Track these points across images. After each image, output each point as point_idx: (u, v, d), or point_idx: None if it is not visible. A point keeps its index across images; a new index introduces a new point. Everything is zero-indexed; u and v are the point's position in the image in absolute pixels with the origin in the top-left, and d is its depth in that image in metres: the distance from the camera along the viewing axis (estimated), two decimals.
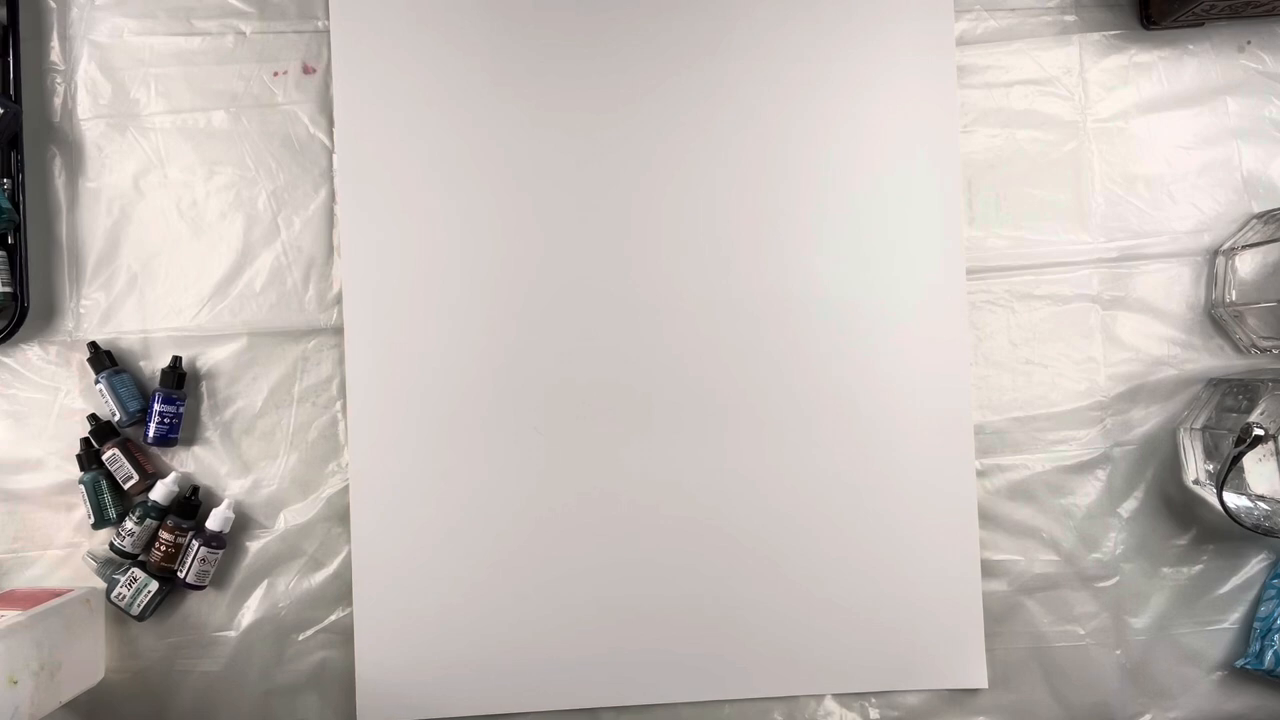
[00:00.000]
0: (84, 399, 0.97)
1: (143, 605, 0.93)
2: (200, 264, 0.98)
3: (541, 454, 0.96)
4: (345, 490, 0.97)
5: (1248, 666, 0.96)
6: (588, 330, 0.97)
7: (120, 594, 0.93)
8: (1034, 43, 1.01)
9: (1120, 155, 1.00)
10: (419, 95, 0.97)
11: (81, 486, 0.94)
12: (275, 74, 0.99)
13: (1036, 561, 0.99)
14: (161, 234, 0.98)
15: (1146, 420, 0.99)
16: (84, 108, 0.98)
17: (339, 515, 0.97)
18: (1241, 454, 0.86)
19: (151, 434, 0.94)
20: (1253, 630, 0.97)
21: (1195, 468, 0.94)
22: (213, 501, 0.96)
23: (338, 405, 0.98)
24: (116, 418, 0.94)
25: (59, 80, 0.98)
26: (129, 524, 0.93)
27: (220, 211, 0.98)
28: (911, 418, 0.97)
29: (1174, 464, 0.97)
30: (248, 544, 0.97)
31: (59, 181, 0.98)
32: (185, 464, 0.97)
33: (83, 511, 0.95)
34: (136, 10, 0.99)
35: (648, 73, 0.98)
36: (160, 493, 0.94)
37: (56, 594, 0.91)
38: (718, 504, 0.97)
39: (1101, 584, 0.99)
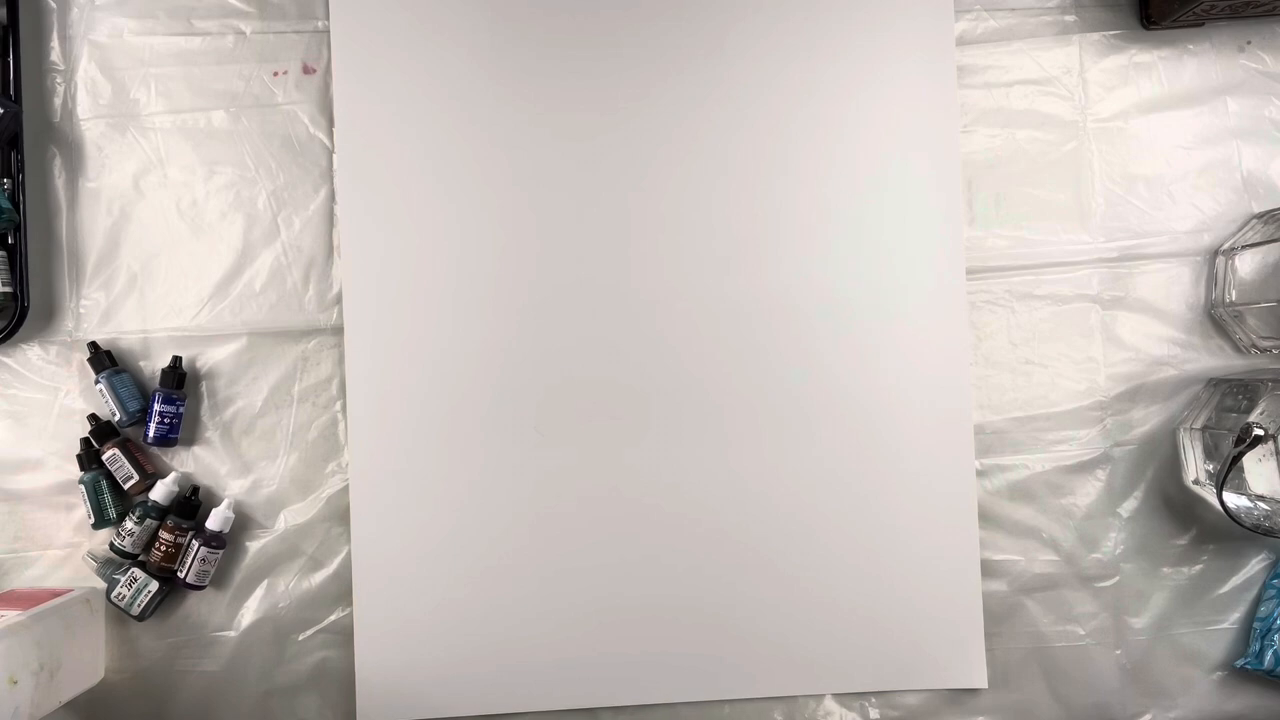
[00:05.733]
0: (84, 399, 0.97)
1: (143, 605, 0.93)
2: (200, 264, 0.98)
3: (541, 454, 0.96)
4: (345, 490, 0.97)
5: (1248, 666, 0.96)
6: (587, 330, 0.97)
7: (120, 594, 0.93)
8: (1034, 43, 1.01)
9: (1120, 155, 1.00)
10: (419, 95, 0.97)
11: (81, 486, 0.94)
12: (275, 74, 0.99)
13: (1036, 561, 0.99)
14: (161, 234, 0.98)
15: (1146, 420, 0.99)
16: (84, 108, 0.98)
17: (339, 515, 0.97)
18: (1241, 454, 0.86)
19: (151, 434, 0.94)
20: (1253, 630, 0.97)
21: (1195, 468, 0.94)
22: (213, 501, 0.96)
23: (338, 405, 0.98)
24: (116, 418, 0.94)
25: (59, 80, 0.98)
26: (129, 524, 0.93)
27: (220, 211, 0.98)
28: (911, 418, 0.97)
29: (1174, 464, 0.97)
30: (248, 544, 0.97)
31: (59, 181, 0.98)
32: (185, 464, 0.97)
33: (83, 511, 0.95)
34: (136, 10, 0.99)
35: (647, 74, 0.98)
36: (160, 493, 0.94)
37: (56, 594, 0.91)
38: (718, 504, 0.97)
39: (1101, 584, 0.99)
